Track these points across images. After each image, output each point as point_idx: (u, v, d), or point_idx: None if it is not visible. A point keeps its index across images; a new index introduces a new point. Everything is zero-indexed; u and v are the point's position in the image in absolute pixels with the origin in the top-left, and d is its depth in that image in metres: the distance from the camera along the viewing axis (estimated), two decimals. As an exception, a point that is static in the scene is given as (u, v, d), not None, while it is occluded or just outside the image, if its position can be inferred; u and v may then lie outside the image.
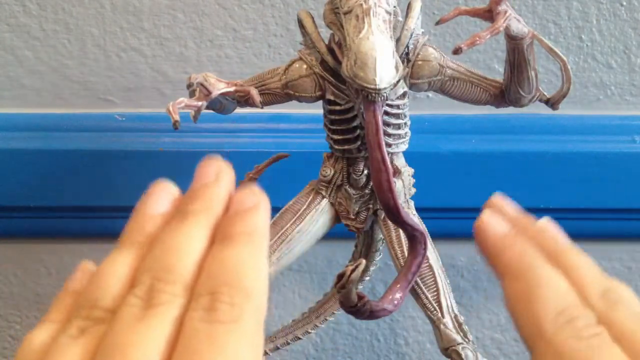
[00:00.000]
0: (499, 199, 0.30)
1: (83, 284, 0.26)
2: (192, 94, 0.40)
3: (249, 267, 0.24)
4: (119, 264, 0.25)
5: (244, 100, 0.42)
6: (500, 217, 0.30)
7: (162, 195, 0.28)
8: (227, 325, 0.22)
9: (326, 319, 0.53)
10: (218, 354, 0.22)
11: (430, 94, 0.60)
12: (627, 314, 0.24)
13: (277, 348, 0.52)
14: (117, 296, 0.24)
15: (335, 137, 0.42)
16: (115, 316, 0.23)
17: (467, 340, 0.41)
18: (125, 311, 0.23)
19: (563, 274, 0.26)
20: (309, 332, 0.53)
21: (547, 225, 0.29)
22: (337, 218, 0.45)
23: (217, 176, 0.27)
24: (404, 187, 0.43)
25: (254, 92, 0.42)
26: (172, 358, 0.22)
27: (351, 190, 0.43)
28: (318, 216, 0.44)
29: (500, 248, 0.28)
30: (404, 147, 0.43)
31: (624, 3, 0.59)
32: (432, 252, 0.43)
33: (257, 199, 0.27)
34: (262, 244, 0.26)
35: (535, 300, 0.25)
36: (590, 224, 0.62)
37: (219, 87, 0.40)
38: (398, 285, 0.36)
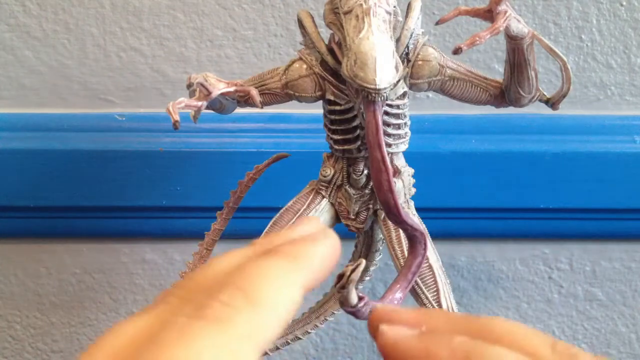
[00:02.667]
0: (381, 309, 0.27)
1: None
2: (192, 94, 0.40)
3: (272, 280, 0.23)
4: None
5: (244, 100, 0.42)
6: (399, 326, 0.26)
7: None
8: (206, 322, 0.21)
9: (326, 319, 0.53)
10: (180, 348, 0.20)
11: (430, 94, 0.60)
12: None
13: (277, 348, 0.52)
14: None
15: (335, 137, 0.42)
16: None
17: (467, 340, 0.41)
18: None
19: (504, 346, 0.24)
20: (309, 332, 0.53)
21: (441, 310, 0.28)
22: (337, 218, 0.45)
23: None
24: (404, 187, 0.43)
25: (254, 92, 0.42)
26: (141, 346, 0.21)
27: (351, 190, 0.43)
28: (318, 216, 0.44)
29: (424, 355, 0.25)
30: (404, 147, 0.43)
31: (624, 3, 0.59)
32: (432, 252, 0.43)
33: (327, 237, 0.26)
34: (303, 269, 0.24)
35: None
36: (590, 224, 0.62)
37: (219, 87, 0.40)
38: (398, 285, 0.36)
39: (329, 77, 0.41)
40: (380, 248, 0.48)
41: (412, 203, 0.45)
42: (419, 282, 0.42)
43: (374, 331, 0.27)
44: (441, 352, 0.24)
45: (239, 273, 0.23)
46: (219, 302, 0.21)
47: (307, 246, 0.25)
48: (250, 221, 0.47)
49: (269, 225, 0.44)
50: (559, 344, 0.24)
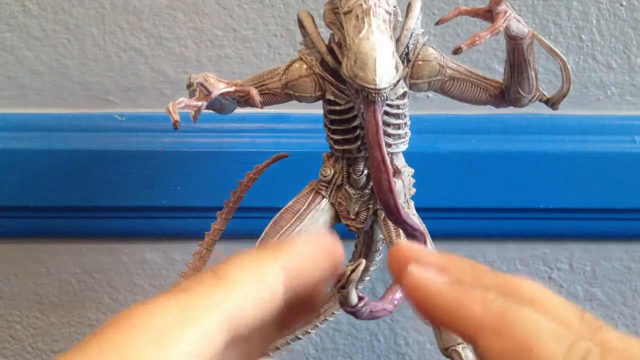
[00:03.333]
0: (407, 247, 0.26)
1: None
2: (192, 94, 0.41)
3: (243, 261, 0.24)
4: None
5: (244, 100, 0.42)
6: (428, 268, 0.25)
7: None
8: (173, 294, 0.22)
9: (326, 319, 0.53)
10: (144, 314, 0.22)
11: (430, 94, 0.60)
12: (612, 334, 0.23)
13: (277, 348, 0.52)
14: None
15: (335, 137, 0.42)
16: None
17: (467, 340, 0.41)
18: None
19: (536, 310, 0.23)
20: (309, 332, 0.53)
21: (467, 260, 0.26)
22: (337, 218, 0.45)
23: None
24: (404, 187, 0.43)
25: (254, 92, 0.42)
26: None
27: (351, 190, 0.43)
28: (318, 216, 0.44)
29: (455, 306, 0.23)
30: (404, 147, 0.43)
31: (624, 3, 0.59)
32: (432, 252, 0.43)
33: (320, 235, 0.27)
34: (282, 254, 0.25)
35: (535, 349, 0.22)
36: (590, 224, 0.62)
37: (219, 87, 0.40)
38: (398, 285, 0.36)
39: (329, 77, 0.41)
40: (380, 248, 0.49)
41: (412, 203, 0.45)
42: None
43: (397, 268, 0.25)
44: (474, 306, 0.23)
45: (218, 263, 0.24)
46: (190, 281, 0.23)
47: (292, 239, 0.26)
48: (250, 221, 0.47)
49: (269, 226, 0.44)
50: (586, 315, 0.24)
